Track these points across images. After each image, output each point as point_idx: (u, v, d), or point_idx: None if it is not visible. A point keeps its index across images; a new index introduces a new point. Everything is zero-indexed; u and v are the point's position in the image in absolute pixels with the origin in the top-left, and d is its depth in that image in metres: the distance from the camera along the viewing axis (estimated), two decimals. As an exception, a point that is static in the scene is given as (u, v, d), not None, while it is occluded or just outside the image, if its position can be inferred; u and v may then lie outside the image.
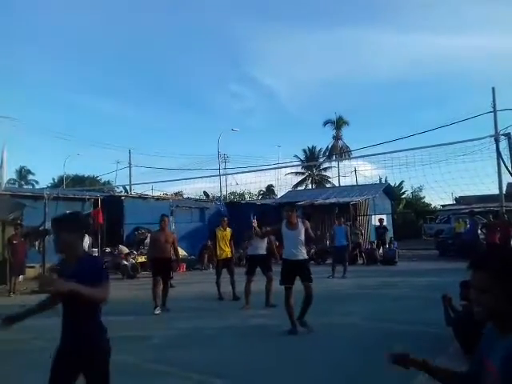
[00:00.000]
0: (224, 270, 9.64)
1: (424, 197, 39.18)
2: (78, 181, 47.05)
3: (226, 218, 10.52)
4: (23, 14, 70.31)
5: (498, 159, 15.57)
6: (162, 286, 8.21)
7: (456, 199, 33.36)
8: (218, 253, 9.69)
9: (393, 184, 31.50)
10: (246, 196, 47.63)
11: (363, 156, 36.11)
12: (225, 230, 9.95)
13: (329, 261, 16.68)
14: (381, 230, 18.76)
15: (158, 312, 7.89)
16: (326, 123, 46.41)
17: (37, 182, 54.64)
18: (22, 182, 54.29)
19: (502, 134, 7.18)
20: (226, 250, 9.70)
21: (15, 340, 5.81)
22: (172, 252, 8.78)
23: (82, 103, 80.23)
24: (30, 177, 56.14)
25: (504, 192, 21.57)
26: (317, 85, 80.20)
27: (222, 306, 8.65)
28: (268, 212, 23.38)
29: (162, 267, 8.25)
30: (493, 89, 20.27)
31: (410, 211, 33.82)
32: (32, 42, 73.90)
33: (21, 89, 75.82)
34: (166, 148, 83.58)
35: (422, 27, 76.24)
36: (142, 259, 14.84)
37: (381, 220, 19.52)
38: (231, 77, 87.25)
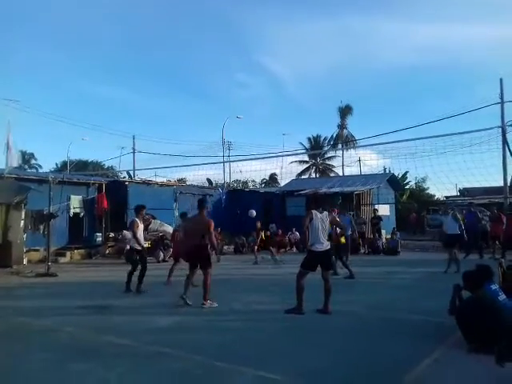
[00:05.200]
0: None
1: (428, 187, 39.09)
2: (81, 166, 47.12)
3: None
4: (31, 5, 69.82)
5: (503, 150, 15.48)
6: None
7: (460, 191, 33.26)
8: None
9: (397, 174, 31.43)
10: (250, 184, 47.64)
11: (367, 146, 36.02)
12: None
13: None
14: (375, 219, 18.71)
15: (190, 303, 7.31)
16: (339, 110, 45.78)
17: (40, 167, 54.83)
18: (26, 166, 54.41)
19: (509, 125, 7.10)
20: None
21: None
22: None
23: (86, 89, 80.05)
24: (33, 161, 56.29)
25: (509, 184, 21.51)
26: (323, 73, 79.75)
27: (225, 291, 8.69)
28: (271, 200, 23.44)
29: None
30: (501, 80, 20.05)
31: (413, 202, 33.72)
32: (39, 28, 73.53)
33: (25, 73, 75.65)
34: (170, 135, 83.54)
35: (431, 16, 75.38)
36: (146, 245, 14.86)
37: (375, 210, 19.49)
38: (237, 64, 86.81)
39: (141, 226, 9.15)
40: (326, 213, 6.91)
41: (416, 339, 5.21)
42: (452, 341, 5.01)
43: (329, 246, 6.80)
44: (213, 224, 7.56)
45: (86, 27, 76.01)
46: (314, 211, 6.75)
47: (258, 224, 15.23)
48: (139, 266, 8.91)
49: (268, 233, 17.26)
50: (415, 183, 40.22)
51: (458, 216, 11.34)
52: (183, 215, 10.70)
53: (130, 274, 8.88)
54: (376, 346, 5.05)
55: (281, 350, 4.95)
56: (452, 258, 10.99)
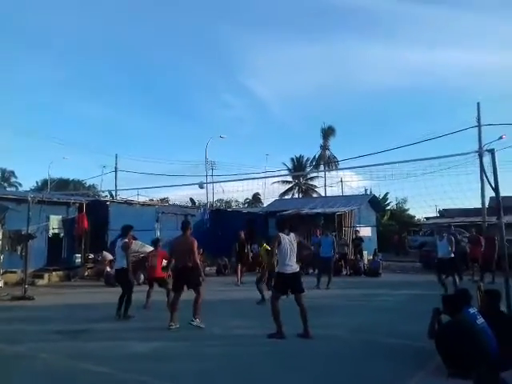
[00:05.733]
0: None
1: (408, 209, 39.67)
2: (62, 184, 46.56)
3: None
4: (12, 15, 69.73)
5: (481, 174, 15.84)
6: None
7: (440, 212, 33.83)
8: None
9: (378, 195, 31.85)
10: (233, 204, 47.64)
11: (349, 168, 36.48)
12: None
13: (311, 271, 16.77)
14: (357, 241, 18.83)
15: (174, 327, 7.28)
16: (322, 131, 46.35)
17: (20, 185, 53.99)
18: (5, 184, 53.49)
19: (486, 150, 7.26)
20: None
21: None
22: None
23: (68, 107, 79.54)
24: (13, 179, 55.41)
25: (487, 206, 21.97)
26: (307, 94, 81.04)
27: (205, 315, 8.58)
28: (255, 220, 23.42)
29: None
30: (478, 104, 20.70)
31: (394, 223, 34.14)
32: (18, 42, 73.22)
33: (5, 90, 74.88)
34: (154, 154, 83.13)
35: (411, 41, 77.64)
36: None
37: (356, 231, 19.66)
38: (221, 85, 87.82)
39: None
40: (292, 234, 6.97)
41: (396, 364, 5.22)
42: (432, 366, 5.03)
43: (298, 269, 6.85)
44: (196, 243, 7.62)
45: (68, 44, 76.09)
46: (281, 234, 6.81)
47: (242, 234, 14.23)
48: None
49: (251, 254, 17.02)
50: (396, 204, 40.84)
51: (452, 239, 11.23)
52: (156, 242, 10.95)
53: (122, 298, 8.55)
54: (357, 370, 5.04)
55: (261, 376, 4.89)
56: (441, 282, 10.88)
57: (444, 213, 32.40)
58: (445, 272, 11.22)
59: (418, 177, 17.35)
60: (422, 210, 59.67)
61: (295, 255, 6.83)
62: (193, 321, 7.22)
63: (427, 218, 33.16)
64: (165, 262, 9.82)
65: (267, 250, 10.24)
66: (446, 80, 77.51)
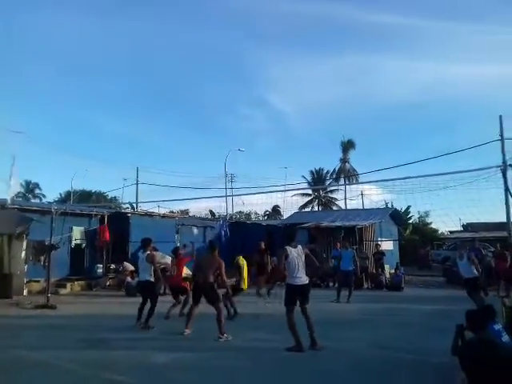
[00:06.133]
0: None
1: (431, 222, 38.93)
2: (84, 196, 47.43)
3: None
4: (33, 32, 72.13)
5: (505, 186, 15.48)
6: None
7: (463, 226, 33.10)
8: None
9: (400, 208, 31.40)
10: (253, 216, 47.66)
11: (370, 182, 36.19)
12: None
13: (331, 284, 16.60)
14: (378, 254, 18.51)
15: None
16: (342, 144, 46.20)
17: (44, 196, 55.24)
18: (30, 196, 54.79)
19: (509, 165, 7.16)
20: None
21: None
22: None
23: (91, 120, 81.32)
24: (37, 191, 56.74)
25: (512, 220, 21.39)
26: (326, 108, 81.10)
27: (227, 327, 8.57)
28: (274, 233, 23.35)
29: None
30: (500, 117, 20.26)
31: (417, 237, 33.55)
32: (43, 57, 75.58)
33: (31, 104, 77.15)
34: (174, 167, 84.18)
35: (431, 54, 77.13)
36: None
37: (377, 245, 19.36)
38: (241, 98, 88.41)
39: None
40: (299, 247, 6.95)
41: (418, 380, 5.10)
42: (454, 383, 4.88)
43: (307, 281, 6.82)
44: (223, 265, 7.94)
45: (95, 60, 78.16)
46: (288, 247, 6.81)
47: (262, 244, 13.92)
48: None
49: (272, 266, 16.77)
50: (418, 218, 40.14)
51: (473, 258, 10.69)
52: (175, 250, 11.15)
53: (142, 308, 8.70)
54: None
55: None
56: (479, 303, 10.23)
57: (468, 227, 31.70)
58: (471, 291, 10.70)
59: (441, 190, 17.02)
60: (444, 224, 58.04)
61: (304, 267, 6.81)
62: (220, 338, 7.31)
63: (451, 232, 32.47)
64: (186, 271, 9.94)
65: (239, 264, 10.27)
66: (464, 92, 76.51)
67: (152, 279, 8.79)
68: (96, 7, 73.59)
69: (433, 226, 38.60)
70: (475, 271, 10.40)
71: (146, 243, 9.17)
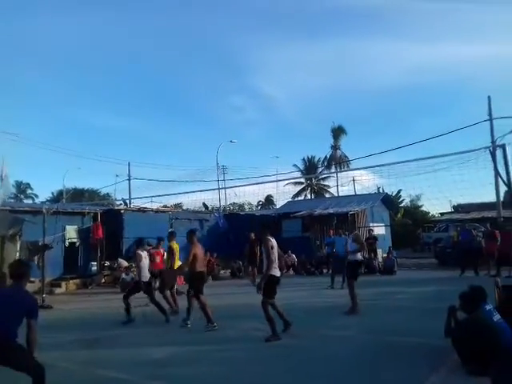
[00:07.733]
0: None
1: (422, 205, 39.31)
2: (77, 194, 47.10)
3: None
4: (26, 28, 70.94)
5: (495, 169, 15.66)
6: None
7: (454, 207, 33.44)
8: None
9: (391, 193, 31.62)
10: (246, 207, 47.73)
11: (361, 168, 36.26)
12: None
13: (325, 271, 16.75)
14: (370, 239, 18.64)
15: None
16: (332, 131, 46.16)
17: (36, 196, 54.81)
18: (22, 196, 54.35)
19: (498, 145, 7.23)
20: None
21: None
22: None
23: (80, 117, 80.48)
24: (29, 191, 56.29)
25: (501, 200, 21.68)
26: (316, 94, 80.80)
27: (220, 318, 8.63)
28: (268, 223, 23.42)
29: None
30: (489, 97, 20.42)
31: (409, 221, 33.86)
32: (30, 54, 74.43)
33: (19, 103, 76.13)
34: (165, 160, 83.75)
35: (421, 36, 77.10)
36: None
37: (370, 230, 19.51)
38: (231, 88, 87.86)
39: (145, 259, 9.18)
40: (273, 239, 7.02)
41: (412, 363, 5.19)
42: (448, 364, 5.00)
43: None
44: (193, 253, 7.91)
45: (81, 55, 77.08)
46: (270, 238, 6.86)
47: (252, 235, 14.34)
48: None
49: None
50: (410, 201, 40.50)
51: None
52: (158, 240, 11.47)
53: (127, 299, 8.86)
54: (372, 372, 5.02)
55: (275, 379, 4.91)
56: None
57: (458, 208, 32.02)
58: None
59: (431, 173, 17.15)
60: (434, 206, 58.63)
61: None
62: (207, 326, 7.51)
63: (442, 214, 32.82)
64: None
65: (172, 250, 10.23)
66: (452, 74, 76.72)
67: (138, 278, 9.01)
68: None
69: (424, 208, 39.03)
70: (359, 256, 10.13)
71: (138, 244, 9.41)
